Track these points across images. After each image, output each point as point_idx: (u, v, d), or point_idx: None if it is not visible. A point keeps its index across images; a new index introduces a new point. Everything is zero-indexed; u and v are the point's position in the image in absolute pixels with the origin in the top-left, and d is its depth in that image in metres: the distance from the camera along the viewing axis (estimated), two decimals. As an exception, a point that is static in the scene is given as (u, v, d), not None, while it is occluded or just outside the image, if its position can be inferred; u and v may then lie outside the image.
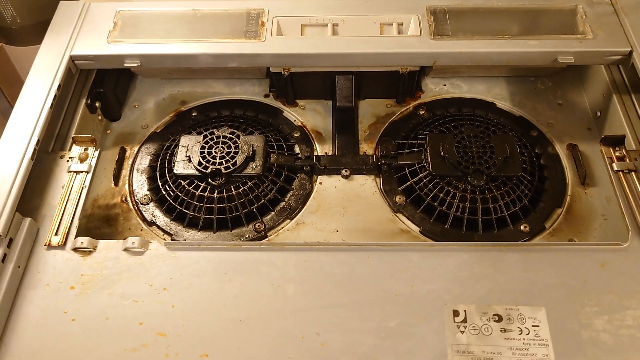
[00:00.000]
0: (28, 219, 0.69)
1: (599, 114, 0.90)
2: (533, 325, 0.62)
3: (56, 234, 0.70)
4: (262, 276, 0.66)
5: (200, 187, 0.80)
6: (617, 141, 0.78)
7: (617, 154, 0.77)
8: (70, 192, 0.74)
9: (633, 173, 0.74)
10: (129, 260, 0.68)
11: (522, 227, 0.78)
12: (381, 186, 0.83)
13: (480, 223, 0.78)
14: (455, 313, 0.63)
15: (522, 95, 0.96)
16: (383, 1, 0.91)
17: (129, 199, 0.83)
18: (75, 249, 0.68)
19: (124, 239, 0.69)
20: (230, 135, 0.83)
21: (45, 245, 0.69)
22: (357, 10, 0.90)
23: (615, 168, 0.75)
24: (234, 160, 0.80)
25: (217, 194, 0.80)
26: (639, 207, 0.70)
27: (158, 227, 0.80)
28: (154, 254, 0.68)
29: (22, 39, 1.05)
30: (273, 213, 0.81)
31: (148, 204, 0.82)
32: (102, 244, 0.69)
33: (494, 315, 0.62)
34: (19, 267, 0.66)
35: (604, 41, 0.83)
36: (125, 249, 0.68)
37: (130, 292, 0.65)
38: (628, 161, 0.76)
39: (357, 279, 0.65)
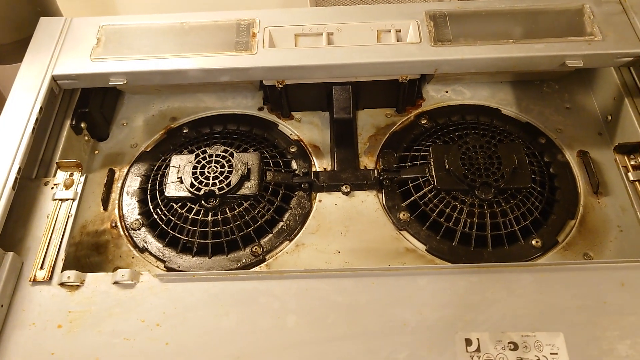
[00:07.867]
0: (10, 254, 0.65)
1: (610, 117, 0.86)
2: (551, 353, 0.58)
3: (41, 267, 0.66)
4: (260, 307, 0.62)
5: (194, 210, 0.76)
6: (632, 149, 0.74)
7: (633, 162, 0.73)
8: (55, 222, 0.70)
9: (650, 182, 0.71)
10: (119, 294, 0.64)
11: (533, 242, 0.74)
12: (384, 202, 0.79)
13: (489, 239, 0.74)
14: (468, 342, 0.59)
15: (528, 100, 0.91)
16: (380, 7, 0.86)
17: (119, 224, 0.79)
18: (62, 284, 0.65)
19: (114, 270, 0.65)
20: (224, 154, 0.79)
21: (30, 280, 0.65)
22: (352, 17, 0.85)
23: (631, 178, 0.71)
24: (228, 180, 0.76)
25: (212, 216, 0.75)
26: (659, 220, 0.67)
27: (150, 253, 0.76)
28: (145, 286, 0.64)
29: (3, 58, 1.01)
30: (271, 235, 0.77)
31: (139, 229, 0.78)
32: (90, 277, 0.65)
33: (509, 343, 0.59)
34: (1, 305, 0.62)
35: (614, 42, 0.79)
36: (115, 282, 0.64)
37: (121, 330, 0.61)
38: (644, 169, 0.72)
39: (362, 308, 0.61)
